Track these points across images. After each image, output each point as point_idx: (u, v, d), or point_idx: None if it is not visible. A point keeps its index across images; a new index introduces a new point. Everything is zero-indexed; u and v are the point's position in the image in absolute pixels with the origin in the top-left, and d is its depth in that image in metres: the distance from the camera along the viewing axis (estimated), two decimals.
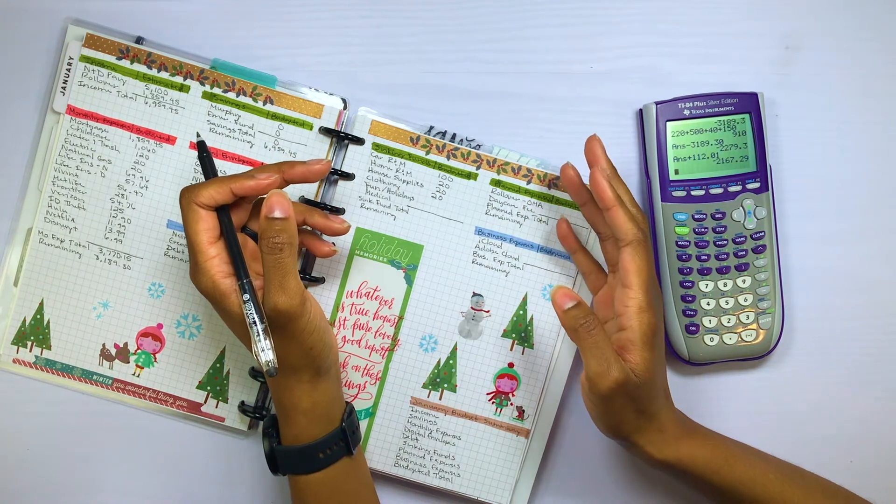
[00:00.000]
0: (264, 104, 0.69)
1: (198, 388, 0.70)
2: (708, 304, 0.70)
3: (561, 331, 0.70)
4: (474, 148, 0.70)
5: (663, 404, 0.63)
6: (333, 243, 0.67)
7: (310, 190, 0.69)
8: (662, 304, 0.69)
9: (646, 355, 0.59)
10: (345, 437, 0.63)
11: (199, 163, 0.66)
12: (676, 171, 0.69)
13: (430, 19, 0.71)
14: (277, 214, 0.57)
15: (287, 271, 0.58)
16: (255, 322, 0.58)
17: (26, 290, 0.69)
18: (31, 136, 0.70)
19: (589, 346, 0.59)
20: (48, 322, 0.70)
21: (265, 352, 0.58)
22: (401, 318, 0.70)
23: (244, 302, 0.58)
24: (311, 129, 0.69)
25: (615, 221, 0.60)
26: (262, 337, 0.58)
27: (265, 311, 0.58)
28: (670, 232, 0.69)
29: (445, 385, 0.70)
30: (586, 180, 0.63)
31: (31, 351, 0.70)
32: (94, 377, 0.70)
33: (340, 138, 0.69)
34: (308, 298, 0.60)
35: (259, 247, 0.58)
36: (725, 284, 0.70)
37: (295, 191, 0.69)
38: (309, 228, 0.66)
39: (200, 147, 0.63)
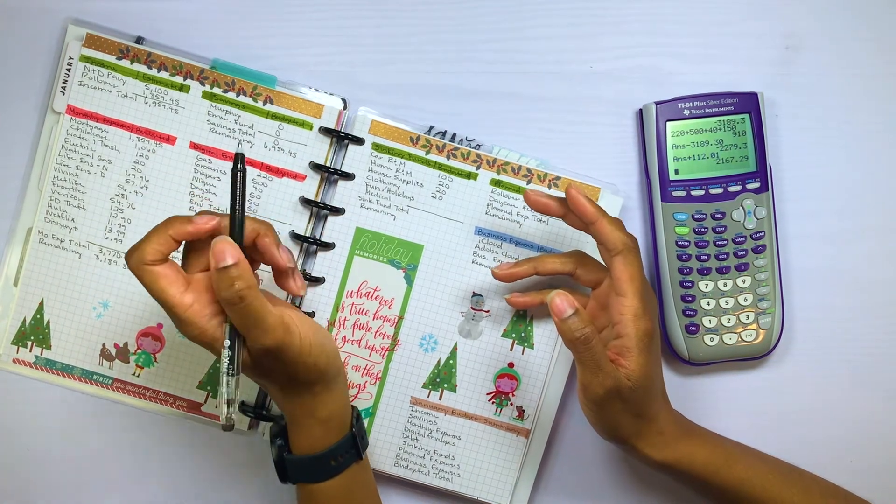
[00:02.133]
0: (264, 104, 0.69)
1: (198, 387, 0.70)
2: (708, 304, 0.70)
3: None
4: (474, 148, 0.70)
5: (661, 406, 0.63)
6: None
7: (310, 192, 0.69)
8: (658, 305, 0.69)
9: (641, 360, 0.59)
10: (355, 443, 0.62)
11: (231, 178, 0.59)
12: (676, 171, 0.69)
13: (430, 19, 0.71)
14: (228, 262, 0.54)
15: (259, 314, 0.54)
16: (227, 372, 0.55)
17: (26, 290, 0.69)
18: (31, 136, 0.70)
19: (585, 358, 0.59)
20: (48, 322, 0.70)
21: (230, 402, 0.56)
22: (401, 318, 0.70)
23: (224, 347, 0.56)
24: (311, 129, 0.69)
25: (602, 233, 0.60)
26: (227, 390, 0.56)
27: (253, 354, 0.56)
28: (670, 232, 0.69)
29: (445, 385, 0.70)
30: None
31: (31, 351, 0.70)
32: (95, 377, 0.70)
33: (340, 138, 0.69)
34: (291, 322, 0.57)
35: (221, 301, 0.55)
36: (725, 284, 0.70)
37: (294, 191, 0.69)
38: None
39: (238, 159, 0.58)
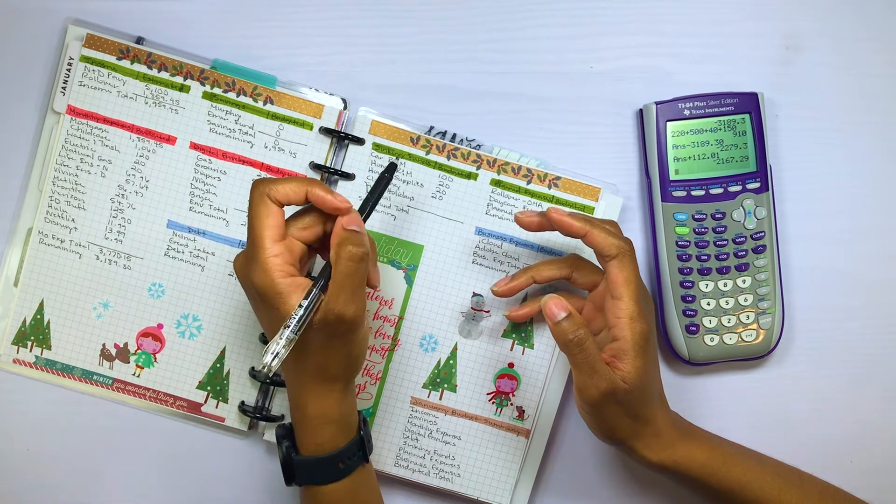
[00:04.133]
0: (264, 104, 0.69)
1: (198, 388, 0.70)
2: (708, 304, 0.70)
3: None
4: (474, 148, 0.70)
5: (658, 408, 0.63)
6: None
7: None
8: (657, 307, 0.69)
9: (637, 363, 0.60)
10: (362, 446, 0.62)
11: (378, 179, 0.64)
12: (676, 171, 0.69)
13: (430, 19, 0.71)
14: (356, 228, 0.58)
15: (361, 281, 0.57)
16: (292, 328, 0.56)
17: (26, 291, 0.69)
18: (32, 136, 0.70)
19: (579, 360, 0.59)
20: (48, 322, 0.70)
21: (278, 355, 0.56)
22: (401, 318, 0.70)
23: (301, 306, 0.56)
24: (311, 129, 0.69)
25: (595, 242, 0.61)
26: (285, 342, 0.56)
27: (327, 317, 0.57)
28: (670, 232, 0.69)
29: (445, 385, 0.70)
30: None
31: (31, 351, 0.70)
32: (95, 377, 0.70)
33: (341, 138, 0.69)
34: (367, 310, 0.59)
35: (335, 254, 0.57)
36: (725, 284, 0.70)
37: None
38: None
39: (390, 169, 0.63)
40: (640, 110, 0.71)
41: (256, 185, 0.58)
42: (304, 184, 0.59)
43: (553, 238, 0.70)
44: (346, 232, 0.57)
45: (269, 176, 0.69)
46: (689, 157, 0.69)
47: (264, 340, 0.69)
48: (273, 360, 0.56)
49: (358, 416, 0.64)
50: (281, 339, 0.56)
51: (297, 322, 0.56)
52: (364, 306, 0.58)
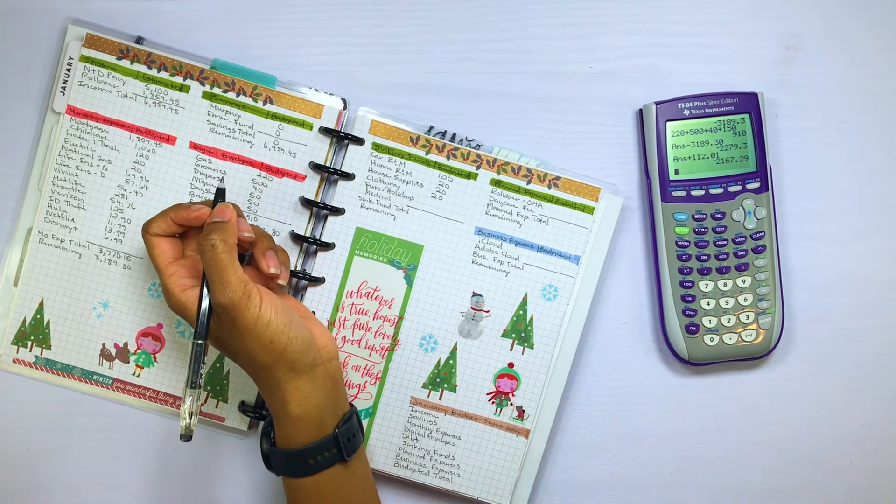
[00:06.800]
0: (264, 104, 0.69)
1: None
2: (708, 304, 0.70)
3: (561, 330, 0.70)
4: (474, 148, 0.70)
5: None
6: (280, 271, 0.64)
7: (310, 192, 0.69)
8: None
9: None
10: (338, 445, 0.62)
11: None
12: (676, 171, 0.69)
13: (430, 19, 0.71)
14: (217, 218, 0.60)
15: (223, 267, 0.58)
16: (191, 384, 0.59)
17: (26, 290, 0.69)
18: (31, 136, 0.70)
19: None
20: (48, 322, 0.70)
21: (184, 416, 0.59)
22: (401, 318, 0.70)
23: (190, 360, 0.59)
24: (310, 129, 0.69)
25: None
26: (188, 400, 0.59)
27: (216, 309, 0.59)
28: (670, 232, 0.69)
29: (445, 385, 0.70)
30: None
31: (31, 351, 0.70)
32: (94, 377, 0.70)
33: (340, 138, 0.69)
34: (258, 292, 0.59)
35: (198, 250, 0.60)
36: (725, 284, 0.70)
37: (294, 191, 0.69)
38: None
39: (219, 193, 0.63)
40: (640, 110, 0.71)
41: (143, 227, 0.63)
42: (167, 212, 0.62)
43: (556, 238, 0.70)
44: (206, 226, 0.60)
45: (266, 174, 0.69)
46: (689, 157, 0.69)
47: None
48: (185, 421, 0.59)
49: (343, 415, 0.63)
50: (185, 397, 0.59)
51: (193, 374, 0.59)
52: (238, 288, 0.58)
